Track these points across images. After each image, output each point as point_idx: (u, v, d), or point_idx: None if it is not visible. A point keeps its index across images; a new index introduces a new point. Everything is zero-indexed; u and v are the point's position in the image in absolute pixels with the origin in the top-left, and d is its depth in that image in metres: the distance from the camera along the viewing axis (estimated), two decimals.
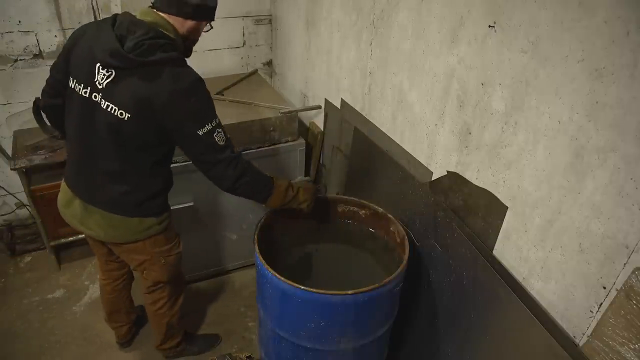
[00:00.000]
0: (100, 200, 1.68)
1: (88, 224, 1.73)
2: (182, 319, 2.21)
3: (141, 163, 1.64)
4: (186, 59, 1.61)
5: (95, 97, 1.52)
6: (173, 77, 1.47)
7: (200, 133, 1.52)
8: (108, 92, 1.50)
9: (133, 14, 1.54)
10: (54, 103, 1.73)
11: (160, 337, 2.21)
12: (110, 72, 1.48)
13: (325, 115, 2.60)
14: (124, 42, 1.45)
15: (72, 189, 1.73)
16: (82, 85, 1.54)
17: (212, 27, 1.70)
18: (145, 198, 1.70)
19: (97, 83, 1.51)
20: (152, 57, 1.45)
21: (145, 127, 1.53)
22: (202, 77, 1.57)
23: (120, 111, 1.49)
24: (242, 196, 1.74)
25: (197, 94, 1.52)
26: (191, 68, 1.57)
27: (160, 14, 1.53)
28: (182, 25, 1.56)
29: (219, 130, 1.58)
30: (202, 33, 1.68)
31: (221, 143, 1.58)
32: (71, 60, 1.59)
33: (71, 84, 1.58)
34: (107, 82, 1.49)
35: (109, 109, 1.50)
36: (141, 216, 1.73)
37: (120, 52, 1.43)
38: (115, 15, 1.55)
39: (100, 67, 1.49)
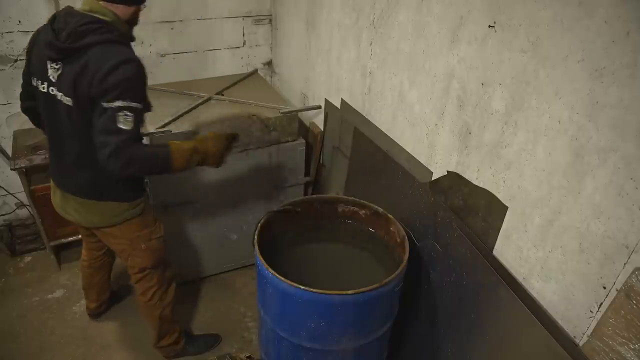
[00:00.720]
0: (71, 187, 1.79)
1: (68, 210, 1.85)
2: (175, 314, 2.21)
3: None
4: (132, 42, 1.70)
5: (52, 90, 1.61)
6: (102, 54, 1.52)
7: (105, 105, 1.51)
8: (58, 83, 1.59)
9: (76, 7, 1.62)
10: (29, 105, 1.83)
11: (155, 332, 2.20)
12: (59, 65, 1.57)
13: (325, 115, 2.60)
14: (60, 35, 1.53)
15: (53, 179, 1.87)
16: (41, 81, 1.64)
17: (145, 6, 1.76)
18: (111, 182, 1.73)
19: (50, 77, 1.60)
20: (83, 41, 1.52)
21: (84, 108, 1.57)
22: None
23: (67, 98, 1.58)
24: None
25: (122, 71, 1.52)
26: (129, 50, 1.61)
27: (103, 3, 1.59)
28: (125, 12, 1.65)
29: (129, 114, 1.54)
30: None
31: (122, 126, 1.53)
32: (31, 61, 1.70)
33: (34, 83, 1.68)
34: (57, 75, 1.58)
35: (61, 99, 1.60)
36: (112, 200, 1.78)
37: (54, 44, 1.52)
38: (55, 13, 1.64)
39: (50, 62, 1.58)
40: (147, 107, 1.69)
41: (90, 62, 1.51)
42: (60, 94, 1.59)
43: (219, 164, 1.85)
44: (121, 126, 1.54)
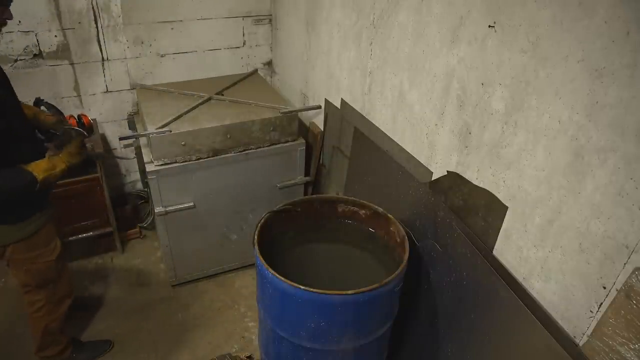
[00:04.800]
0: None
1: None
2: (64, 327, 2.14)
3: None
4: None
5: None
6: None
7: None
8: None
9: None
10: None
11: (36, 342, 2.12)
12: None
13: (325, 115, 2.60)
14: None
15: None
16: None
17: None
18: None
19: None
20: None
21: None
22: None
23: None
24: None
25: None
26: None
27: None
28: None
29: None
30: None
31: None
32: None
33: None
34: None
35: None
36: None
37: None
38: None
39: None
40: (16, 127, 1.60)
41: None
42: None
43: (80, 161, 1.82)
44: None
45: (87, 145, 1.92)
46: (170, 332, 2.50)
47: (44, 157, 1.76)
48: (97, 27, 2.72)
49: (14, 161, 1.63)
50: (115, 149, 3.14)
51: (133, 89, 2.96)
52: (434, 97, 1.67)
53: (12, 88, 1.76)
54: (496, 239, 1.48)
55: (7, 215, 1.73)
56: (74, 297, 2.15)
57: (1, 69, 1.71)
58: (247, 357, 2.35)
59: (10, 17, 1.70)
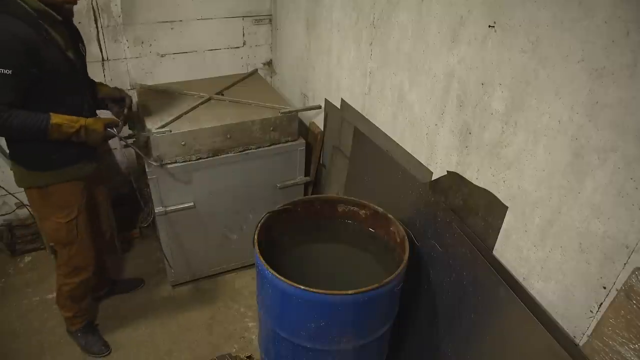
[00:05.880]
0: None
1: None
2: (77, 301, 2.29)
3: None
4: (68, 18, 1.81)
5: None
6: None
7: None
8: None
9: None
10: None
11: (56, 294, 2.30)
12: None
13: (325, 115, 2.60)
14: None
15: None
16: None
17: None
18: (12, 142, 1.86)
19: None
20: None
21: None
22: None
23: None
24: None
25: None
26: (6, 17, 1.61)
27: None
28: None
29: None
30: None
31: None
32: None
33: None
34: None
35: None
36: (13, 160, 1.90)
37: None
38: None
39: None
40: (35, 71, 1.69)
41: None
42: None
43: (97, 146, 1.97)
44: None
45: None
46: (170, 332, 2.50)
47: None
48: (97, 27, 2.71)
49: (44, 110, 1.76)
50: (115, 148, 3.14)
51: (133, 89, 2.96)
52: (434, 97, 1.67)
53: (76, 55, 1.87)
54: (496, 239, 1.48)
55: (24, 157, 1.88)
56: (93, 277, 2.24)
57: (62, 42, 1.78)
58: (247, 357, 2.35)
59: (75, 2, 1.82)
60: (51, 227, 2.03)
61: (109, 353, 2.39)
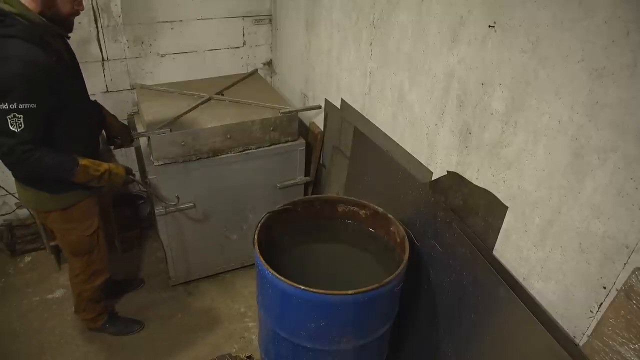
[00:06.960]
0: None
1: (17, 190, 1.97)
2: (101, 299, 2.36)
3: None
4: (68, 33, 1.78)
5: None
6: None
7: None
8: None
9: None
10: None
11: (74, 303, 2.37)
12: None
13: (325, 115, 2.60)
14: None
15: None
16: None
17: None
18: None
19: None
20: None
21: None
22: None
23: None
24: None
25: (4, 67, 1.49)
26: (20, 45, 1.52)
27: None
28: (33, 1, 1.57)
29: (18, 115, 1.52)
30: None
31: (13, 129, 1.53)
32: None
33: None
34: None
35: None
36: (33, 188, 1.85)
37: None
38: None
39: None
40: (62, 105, 1.66)
41: None
42: None
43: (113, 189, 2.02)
44: (12, 128, 1.52)
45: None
46: (170, 332, 2.50)
47: (97, 150, 1.97)
48: (97, 27, 2.71)
49: (60, 140, 1.73)
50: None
51: (133, 89, 2.96)
52: (434, 97, 1.67)
53: (76, 73, 1.86)
54: (496, 239, 1.48)
55: (47, 184, 1.83)
56: (110, 277, 2.32)
57: (67, 59, 1.77)
58: (247, 357, 2.35)
59: (83, 8, 1.79)
60: (73, 241, 2.05)
61: (143, 326, 2.50)
